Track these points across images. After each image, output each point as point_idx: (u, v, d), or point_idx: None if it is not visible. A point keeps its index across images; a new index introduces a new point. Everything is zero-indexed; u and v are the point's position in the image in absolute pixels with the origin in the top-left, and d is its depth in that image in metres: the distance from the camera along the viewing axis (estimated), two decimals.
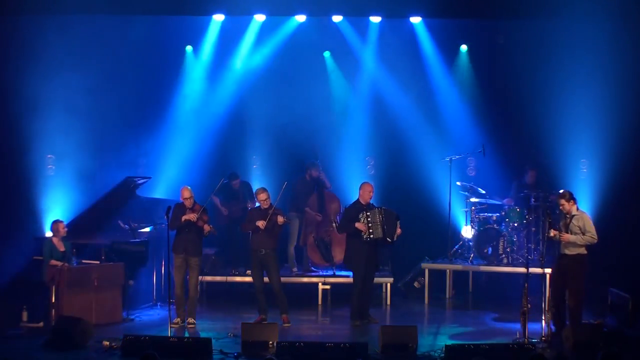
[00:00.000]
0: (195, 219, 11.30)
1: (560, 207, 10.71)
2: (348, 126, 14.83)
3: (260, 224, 11.29)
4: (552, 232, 10.52)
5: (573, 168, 14.06)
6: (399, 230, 11.42)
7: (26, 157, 13.95)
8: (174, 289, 11.30)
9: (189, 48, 14.80)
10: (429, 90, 14.80)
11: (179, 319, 11.31)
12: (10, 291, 11.71)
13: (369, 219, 11.28)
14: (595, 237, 10.53)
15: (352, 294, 11.52)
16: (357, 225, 11.28)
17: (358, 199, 11.51)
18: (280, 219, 11.37)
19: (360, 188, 11.53)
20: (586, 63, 13.50)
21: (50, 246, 11.38)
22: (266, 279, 11.57)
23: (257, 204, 11.69)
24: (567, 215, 10.63)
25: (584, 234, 10.51)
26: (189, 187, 11.55)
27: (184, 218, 11.29)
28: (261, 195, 11.49)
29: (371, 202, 11.54)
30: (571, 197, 10.64)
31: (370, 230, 11.26)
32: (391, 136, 14.79)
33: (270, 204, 11.47)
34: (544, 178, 13.83)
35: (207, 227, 11.43)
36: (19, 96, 13.76)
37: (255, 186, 13.23)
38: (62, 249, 11.42)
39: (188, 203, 11.40)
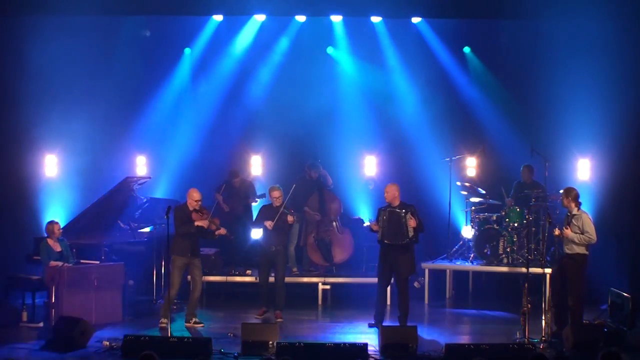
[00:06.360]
0: (207, 225, 11.18)
1: (560, 200, 10.70)
2: (348, 125, 14.81)
3: (268, 224, 11.46)
4: (557, 231, 10.52)
5: (573, 168, 14.08)
6: (411, 222, 10.80)
7: (26, 157, 13.96)
8: (168, 289, 11.09)
9: (187, 50, 14.80)
10: (429, 90, 14.78)
11: (166, 320, 10.95)
12: (10, 291, 11.72)
13: (384, 220, 11.04)
14: (594, 237, 10.47)
15: None
16: (371, 224, 11.17)
17: None
18: (290, 218, 11.56)
19: None
20: (586, 63, 13.49)
21: (47, 248, 11.33)
22: (271, 279, 11.70)
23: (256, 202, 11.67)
24: (568, 214, 10.63)
25: (582, 234, 10.51)
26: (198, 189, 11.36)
27: (197, 223, 11.09)
28: (274, 193, 11.66)
29: (405, 203, 11.10)
30: (572, 195, 10.59)
31: (381, 232, 11.05)
32: (391, 135, 14.78)
33: (282, 202, 11.62)
34: (541, 175, 13.83)
35: (222, 231, 11.38)
36: (19, 96, 13.77)
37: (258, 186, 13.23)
38: (58, 249, 11.38)
39: (198, 205, 11.20)
